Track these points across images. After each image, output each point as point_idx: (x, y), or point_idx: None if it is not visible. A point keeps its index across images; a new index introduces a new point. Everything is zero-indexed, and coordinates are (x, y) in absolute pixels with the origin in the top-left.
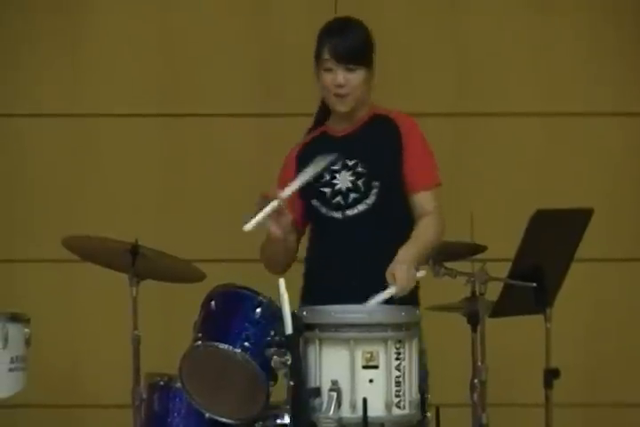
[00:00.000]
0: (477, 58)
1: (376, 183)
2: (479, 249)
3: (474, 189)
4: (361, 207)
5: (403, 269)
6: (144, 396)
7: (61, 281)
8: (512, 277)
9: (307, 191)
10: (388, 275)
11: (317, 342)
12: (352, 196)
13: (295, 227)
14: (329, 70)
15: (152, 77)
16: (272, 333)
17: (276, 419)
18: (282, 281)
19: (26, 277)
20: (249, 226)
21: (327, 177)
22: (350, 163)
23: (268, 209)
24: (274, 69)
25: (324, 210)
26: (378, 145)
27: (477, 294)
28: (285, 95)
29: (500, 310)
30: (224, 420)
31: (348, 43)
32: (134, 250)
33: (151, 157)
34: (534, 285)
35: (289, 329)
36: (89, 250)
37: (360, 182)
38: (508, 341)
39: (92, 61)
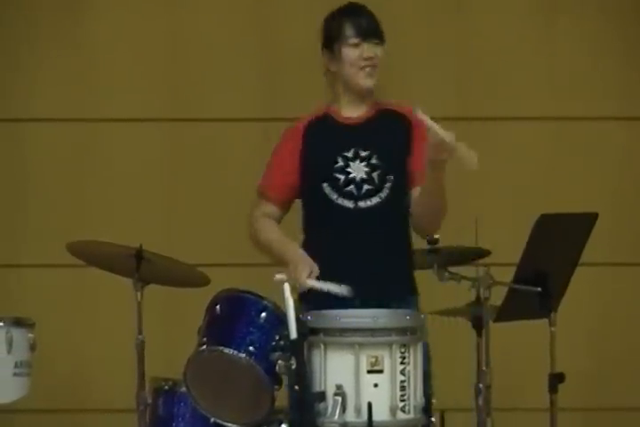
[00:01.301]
0: (481, 62)
1: (390, 177)
2: (483, 253)
3: (478, 193)
4: (374, 200)
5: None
6: (149, 400)
7: (66, 286)
8: (516, 282)
9: (317, 173)
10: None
11: (322, 346)
12: (366, 187)
13: (283, 209)
14: (355, 45)
15: (156, 82)
16: (277, 337)
17: (280, 424)
18: (287, 286)
19: (31, 282)
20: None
21: (341, 163)
22: (363, 153)
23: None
24: (279, 74)
25: (334, 196)
26: (389, 137)
27: (482, 298)
28: (290, 100)
29: (504, 314)
30: (229, 424)
31: (369, 19)
32: (139, 255)
33: (155, 162)
34: (539, 289)
35: (293, 334)
36: (93, 255)
37: (375, 175)
38: (513, 345)
39: (95, 66)
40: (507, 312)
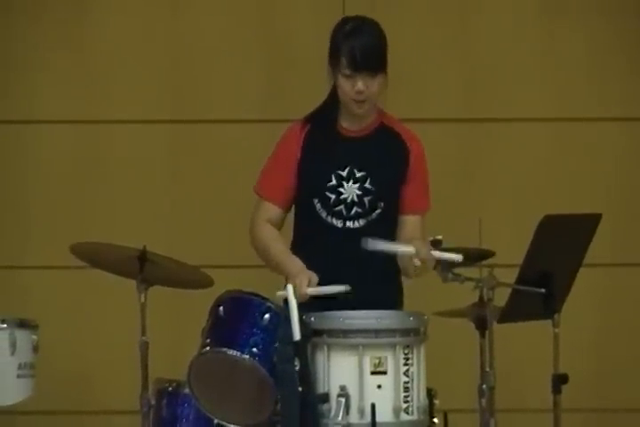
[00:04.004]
0: (485, 64)
1: (381, 204)
2: (487, 254)
3: (482, 194)
4: (362, 222)
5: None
6: (152, 402)
7: (70, 288)
8: (520, 283)
9: (310, 188)
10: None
11: (326, 347)
12: (355, 209)
13: (284, 208)
14: (348, 76)
15: (160, 84)
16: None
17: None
18: (290, 287)
19: (34, 284)
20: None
21: (334, 182)
22: (358, 174)
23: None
24: (283, 75)
25: (324, 214)
26: (386, 162)
27: (485, 299)
28: (294, 101)
29: (508, 315)
30: (232, 426)
31: (366, 50)
32: (142, 256)
33: (159, 164)
34: (542, 290)
35: (297, 335)
36: (97, 256)
37: (366, 200)
38: (517, 346)
39: (99, 68)
40: (510, 313)
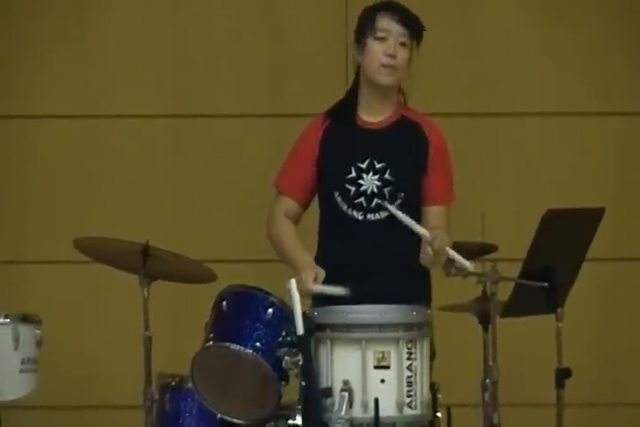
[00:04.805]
0: (488, 59)
1: (401, 194)
2: (490, 249)
3: (485, 188)
4: (383, 214)
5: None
6: (155, 396)
7: (73, 282)
8: (523, 277)
9: (330, 181)
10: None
11: (329, 342)
12: (376, 201)
13: (302, 205)
14: (381, 39)
15: (162, 79)
16: (283, 333)
17: (287, 419)
18: (293, 281)
19: (37, 279)
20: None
21: (353, 174)
22: (378, 166)
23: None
24: (284, 70)
25: (344, 207)
26: (406, 152)
27: (488, 293)
28: (296, 96)
29: (511, 309)
30: (235, 420)
31: (403, 12)
32: (145, 251)
33: (162, 158)
34: (546, 284)
35: (300, 329)
36: (100, 251)
37: (386, 191)
38: (520, 341)
39: (103, 63)
40: (513, 308)
